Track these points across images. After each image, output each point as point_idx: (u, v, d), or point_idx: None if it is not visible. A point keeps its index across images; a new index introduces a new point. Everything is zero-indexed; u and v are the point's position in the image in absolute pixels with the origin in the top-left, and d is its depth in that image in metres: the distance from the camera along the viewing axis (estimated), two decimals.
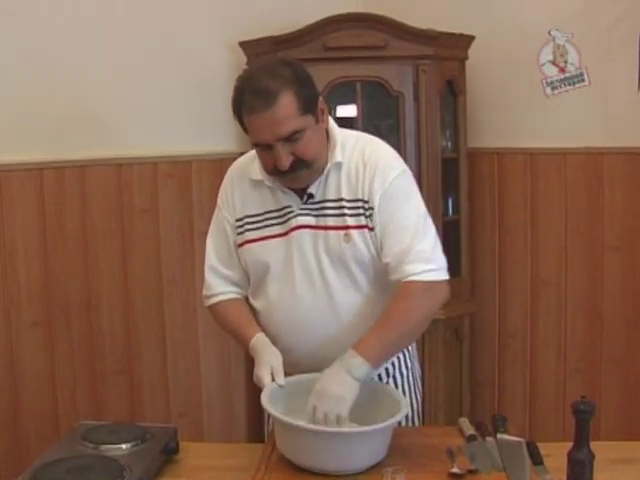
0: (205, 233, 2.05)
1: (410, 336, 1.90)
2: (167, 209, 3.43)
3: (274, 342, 1.90)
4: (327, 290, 1.88)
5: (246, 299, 2.04)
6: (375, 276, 1.89)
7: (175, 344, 3.49)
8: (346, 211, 1.86)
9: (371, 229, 1.85)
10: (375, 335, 1.78)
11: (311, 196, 1.88)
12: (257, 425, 3.22)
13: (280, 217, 1.91)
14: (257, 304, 2.00)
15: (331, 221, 1.87)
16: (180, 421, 3.41)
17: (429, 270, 1.81)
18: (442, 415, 3.33)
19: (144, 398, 3.45)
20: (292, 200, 1.90)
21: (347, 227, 1.85)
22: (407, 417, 1.99)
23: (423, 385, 2.25)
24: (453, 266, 3.43)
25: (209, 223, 2.05)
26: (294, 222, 1.89)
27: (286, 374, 1.83)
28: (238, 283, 2.01)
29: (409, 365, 2.09)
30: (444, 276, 1.86)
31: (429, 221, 1.89)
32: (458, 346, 3.48)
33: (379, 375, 2.00)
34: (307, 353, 1.90)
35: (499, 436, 1.82)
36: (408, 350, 2.09)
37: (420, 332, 1.93)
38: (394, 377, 2.03)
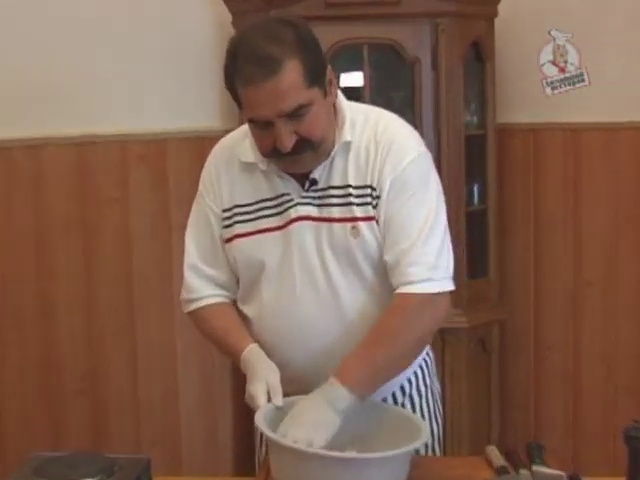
0: (185, 227, 2.05)
1: (405, 359, 1.91)
2: (139, 198, 3.43)
3: (269, 355, 1.90)
4: (333, 292, 1.89)
5: (234, 304, 2.04)
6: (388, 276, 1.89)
7: (148, 358, 3.50)
8: (353, 200, 1.86)
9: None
10: (361, 358, 1.79)
11: (314, 182, 1.88)
12: (246, 454, 3.22)
13: (276, 207, 1.91)
14: (248, 310, 2.00)
15: (336, 211, 1.87)
16: (154, 450, 3.42)
17: (429, 279, 1.82)
18: (466, 442, 3.34)
19: (111, 423, 3.46)
20: (291, 187, 1.90)
21: (355, 219, 1.86)
22: (426, 444, 2.00)
23: (444, 406, 2.26)
24: (479, 265, 3.48)
25: (189, 214, 2.05)
26: (293, 213, 1.89)
27: (284, 393, 1.83)
28: (224, 285, 2.02)
29: (428, 382, 2.09)
30: (447, 287, 1.86)
31: (441, 214, 1.89)
32: (485, 359, 3.49)
33: (393, 394, 2.01)
34: (309, 367, 1.90)
35: (535, 468, 1.82)
36: (427, 365, 2.10)
37: (417, 353, 1.96)
38: (410, 396, 2.04)
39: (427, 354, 2.11)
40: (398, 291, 1.83)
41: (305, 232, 1.89)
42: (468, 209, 3.36)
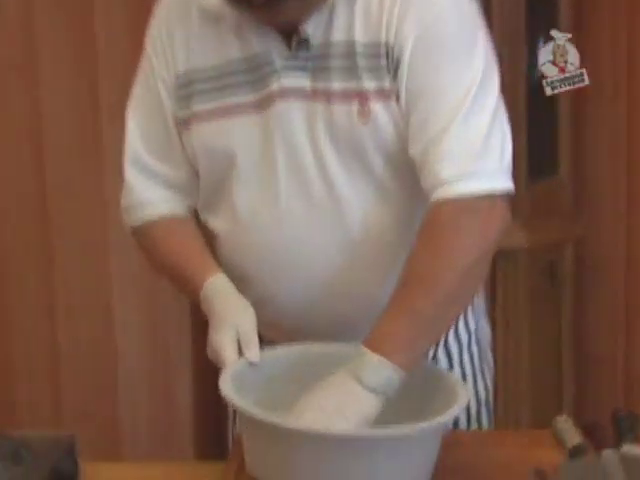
0: (121, 107, 2.06)
1: (454, 301, 1.85)
2: (52, 66, 3.41)
3: (243, 288, 1.93)
4: (331, 197, 1.90)
5: (196, 216, 2.06)
6: (412, 177, 1.89)
7: (71, 295, 3.50)
8: (360, 64, 1.85)
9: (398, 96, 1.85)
10: (394, 313, 1.77)
11: (305, 41, 1.87)
12: (213, 430, 3.28)
13: (250, 73, 1.91)
14: (214, 222, 2.02)
15: (337, 83, 1.87)
16: (81, 426, 3.45)
17: (472, 175, 1.80)
18: (527, 410, 3.40)
19: (19, 388, 3.50)
20: (273, 45, 1.89)
21: (363, 94, 1.85)
22: (469, 413, 2.04)
23: (495, 360, 2.28)
24: (546, 160, 3.48)
25: (127, 88, 2.06)
26: (275, 84, 1.89)
27: (263, 342, 1.86)
28: (181, 186, 2.04)
29: (471, 326, 2.13)
30: (502, 183, 1.84)
31: (491, 83, 1.88)
32: (554, 294, 3.53)
33: None
34: (299, 303, 1.94)
35: (625, 447, 1.84)
36: (471, 301, 2.10)
37: (473, 288, 1.92)
38: (446, 347, 2.08)
39: None
40: (431, 199, 1.82)
41: (292, 114, 1.89)
42: (530, 78, 3.36)
